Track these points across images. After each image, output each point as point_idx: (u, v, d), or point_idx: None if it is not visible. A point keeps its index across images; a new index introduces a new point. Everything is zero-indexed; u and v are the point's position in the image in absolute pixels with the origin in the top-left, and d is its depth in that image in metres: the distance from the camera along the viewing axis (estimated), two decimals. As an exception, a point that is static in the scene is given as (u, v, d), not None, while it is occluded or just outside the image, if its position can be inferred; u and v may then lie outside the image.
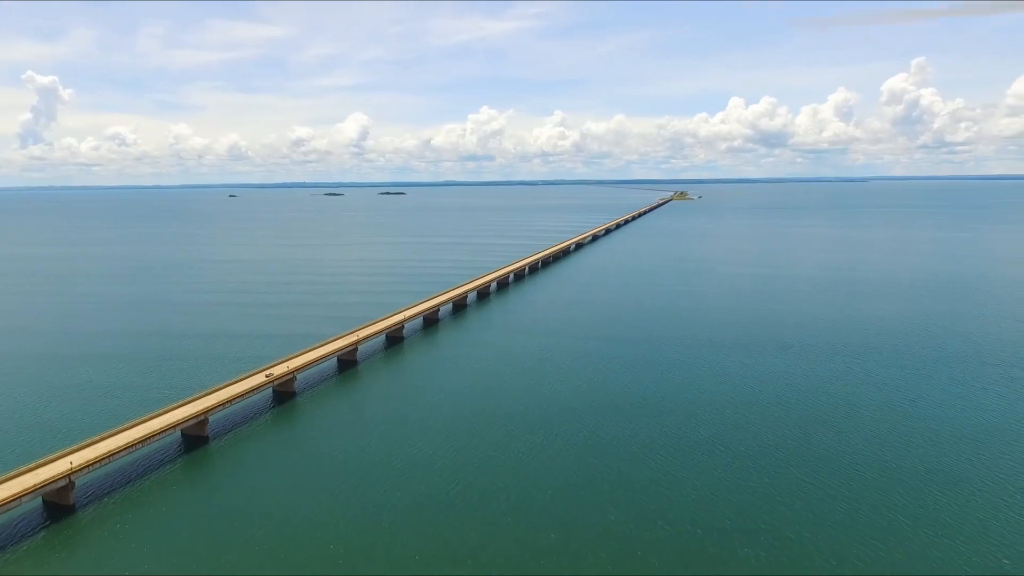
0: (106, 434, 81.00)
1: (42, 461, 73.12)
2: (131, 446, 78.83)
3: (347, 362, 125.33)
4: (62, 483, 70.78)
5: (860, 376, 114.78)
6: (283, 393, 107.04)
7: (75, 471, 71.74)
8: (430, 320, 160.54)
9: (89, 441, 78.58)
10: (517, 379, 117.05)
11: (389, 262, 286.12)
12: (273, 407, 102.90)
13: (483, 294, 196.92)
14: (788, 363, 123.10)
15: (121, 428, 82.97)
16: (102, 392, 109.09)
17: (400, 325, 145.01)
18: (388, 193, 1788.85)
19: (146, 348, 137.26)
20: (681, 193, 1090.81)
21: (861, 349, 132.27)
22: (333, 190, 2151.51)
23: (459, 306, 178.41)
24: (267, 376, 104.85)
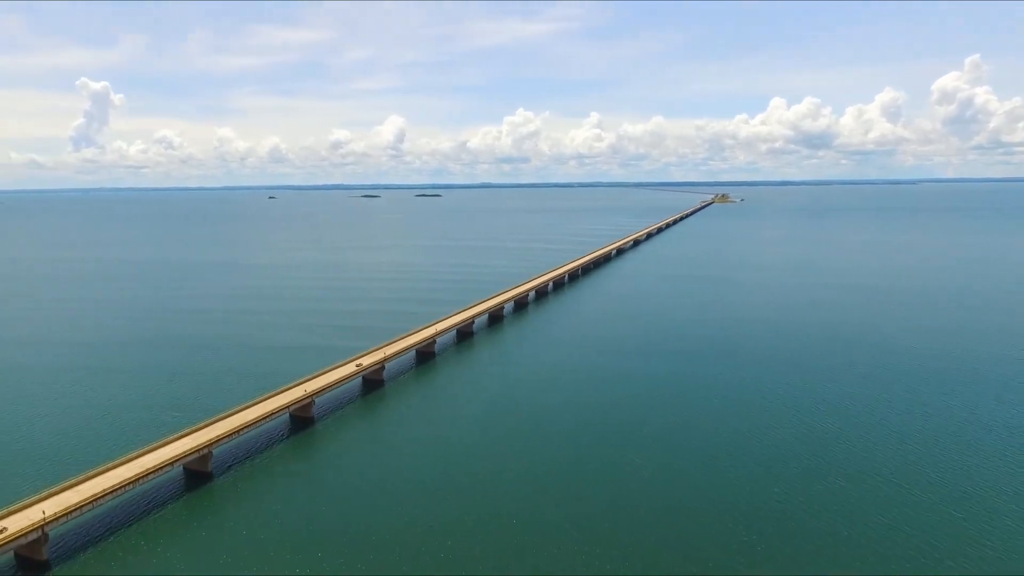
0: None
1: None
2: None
3: (372, 382, 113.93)
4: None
5: (913, 401, 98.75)
6: (301, 419, 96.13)
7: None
8: (464, 334, 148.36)
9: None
10: (556, 401, 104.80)
11: (422, 268, 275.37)
12: (289, 436, 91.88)
13: (520, 304, 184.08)
14: (842, 385, 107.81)
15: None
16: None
17: (432, 340, 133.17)
18: (424, 195, 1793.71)
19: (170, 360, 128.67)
20: (723, 196, 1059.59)
21: (918, 371, 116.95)
22: (370, 192, 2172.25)
23: (495, 318, 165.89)
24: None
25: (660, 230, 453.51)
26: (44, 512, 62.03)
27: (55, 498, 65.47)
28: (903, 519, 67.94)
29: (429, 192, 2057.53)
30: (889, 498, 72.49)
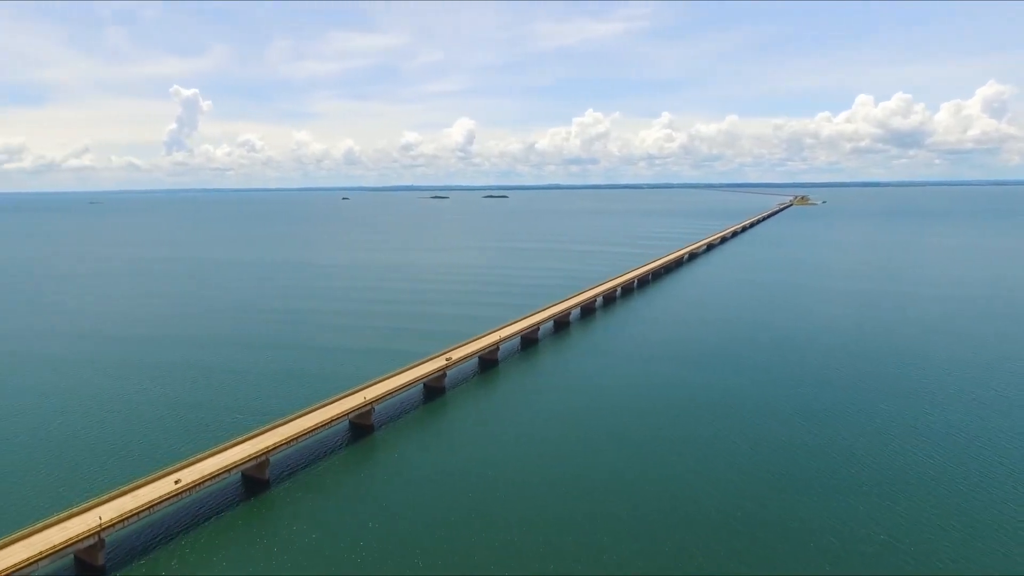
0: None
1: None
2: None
3: (434, 389, 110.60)
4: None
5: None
6: (361, 426, 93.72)
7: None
8: (529, 340, 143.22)
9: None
10: (619, 413, 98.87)
11: (487, 271, 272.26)
12: (347, 444, 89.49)
13: (587, 310, 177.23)
14: (936, 412, 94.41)
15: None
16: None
17: (495, 346, 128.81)
18: (492, 196, 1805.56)
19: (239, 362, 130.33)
20: (802, 198, 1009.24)
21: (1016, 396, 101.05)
22: (439, 193, 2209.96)
23: (561, 324, 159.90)
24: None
25: (735, 233, 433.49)
26: (101, 518, 61.30)
27: (114, 502, 64.95)
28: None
29: (496, 193, 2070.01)
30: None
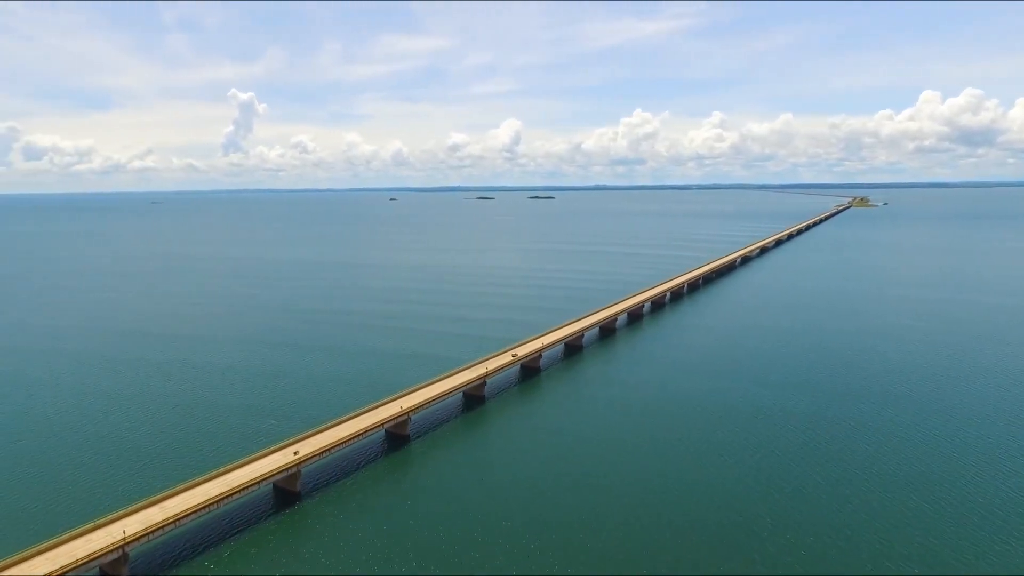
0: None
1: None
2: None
3: (474, 398, 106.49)
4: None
5: None
6: (397, 436, 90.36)
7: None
8: (573, 348, 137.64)
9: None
10: (667, 427, 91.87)
11: (531, 274, 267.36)
12: (383, 454, 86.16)
13: (635, 316, 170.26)
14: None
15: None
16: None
17: (538, 354, 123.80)
18: (537, 197, 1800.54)
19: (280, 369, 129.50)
20: (861, 199, 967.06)
21: None
22: (485, 194, 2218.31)
23: (607, 331, 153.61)
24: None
25: (791, 236, 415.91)
26: (125, 531, 59.22)
27: (139, 514, 62.93)
28: None
29: (542, 194, 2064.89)
30: None
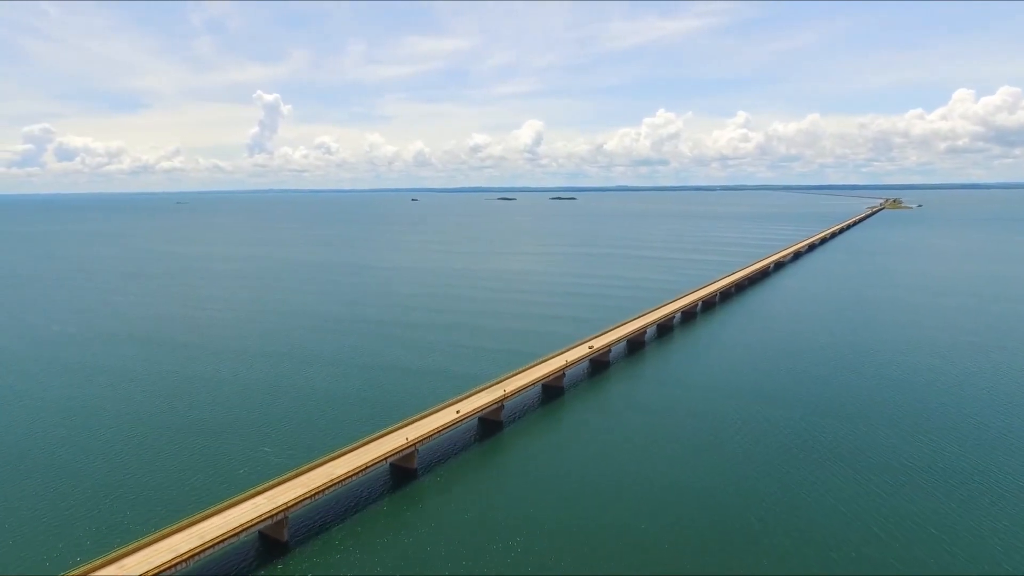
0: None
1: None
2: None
3: (490, 423, 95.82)
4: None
5: None
6: (403, 469, 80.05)
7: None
8: (599, 365, 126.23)
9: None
10: (700, 470, 79.69)
11: (551, 280, 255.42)
12: (389, 491, 75.82)
13: (664, 328, 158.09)
14: None
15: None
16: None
17: (560, 372, 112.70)
18: (559, 198, 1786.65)
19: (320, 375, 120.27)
20: (894, 201, 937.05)
21: None
22: (506, 194, 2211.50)
23: (635, 344, 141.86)
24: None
25: (823, 240, 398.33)
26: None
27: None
28: None
29: (564, 195, 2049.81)
30: None
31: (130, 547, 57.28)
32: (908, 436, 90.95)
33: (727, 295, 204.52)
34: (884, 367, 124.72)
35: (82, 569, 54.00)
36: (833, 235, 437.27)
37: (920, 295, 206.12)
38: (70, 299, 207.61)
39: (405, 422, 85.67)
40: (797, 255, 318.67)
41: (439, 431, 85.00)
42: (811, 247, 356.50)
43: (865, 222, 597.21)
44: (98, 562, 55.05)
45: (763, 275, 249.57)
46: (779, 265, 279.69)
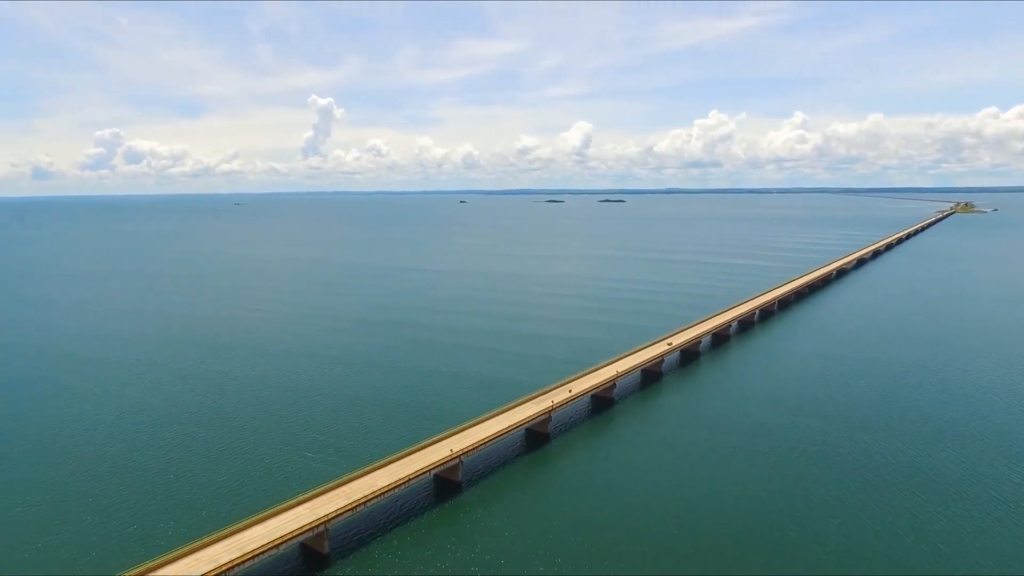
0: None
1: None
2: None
3: (537, 434, 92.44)
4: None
5: None
6: (447, 481, 77.57)
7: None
8: (651, 375, 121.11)
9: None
10: (763, 491, 73.69)
11: (601, 285, 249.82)
12: (434, 503, 73.40)
13: (720, 338, 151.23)
14: None
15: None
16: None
17: (611, 383, 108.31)
18: (608, 200, 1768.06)
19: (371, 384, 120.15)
20: (966, 204, 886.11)
21: None
22: (554, 197, 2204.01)
23: (689, 355, 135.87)
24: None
25: (890, 246, 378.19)
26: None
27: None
28: None
29: (613, 198, 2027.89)
30: None
31: (171, 555, 56.56)
32: (982, 460, 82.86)
33: (786, 303, 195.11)
34: (956, 385, 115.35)
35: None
36: (900, 240, 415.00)
37: (997, 306, 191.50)
38: (129, 298, 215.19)
39: (449, 432, 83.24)
40: (861, 261, 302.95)
41: (484, 443, 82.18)
42: (876, 253, 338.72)
43: (935, 227, 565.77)
44: (138, 570, 54.34)
45: (825, 283, 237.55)
46: (842, 272, 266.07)
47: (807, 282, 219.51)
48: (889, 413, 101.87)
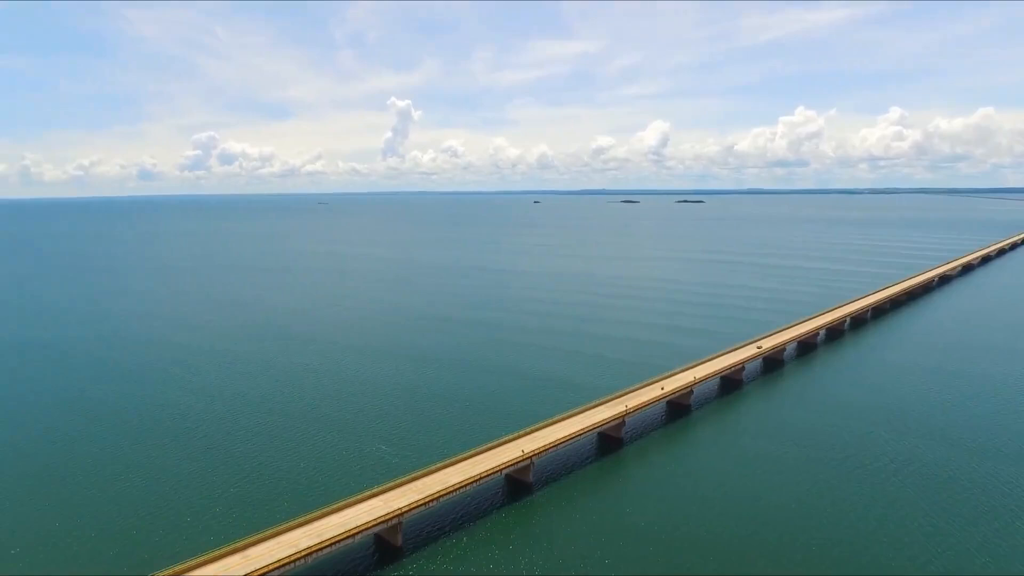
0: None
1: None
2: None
3: (610, 439, 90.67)
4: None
5: None
6: (518, 481, 77.36)
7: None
8: (731, 382, 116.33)
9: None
10: (850, 506, 68.31)
11: (679, 288, 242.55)
12: (505, 502, 73.44)
13: (806, 346, 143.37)
14: None
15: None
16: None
17: (688, 389, 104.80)
18: (686, 201, 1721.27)
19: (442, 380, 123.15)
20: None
21: None
22: (630, 197, 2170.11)
23: (773, 362, 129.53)
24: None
25: (1002, 251, 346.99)
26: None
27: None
28: None
29: (691, 198, 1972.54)
30: None
31: (255, 537, 59.19)
32: None
33: (881, 311, 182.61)
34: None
35: (212, 554, 56.31)
36: (1014, 246, 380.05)
37: None
38: (223, 291, 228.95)
39: (521, 433, 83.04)
40: (967, 268, 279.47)
41: (556, 444, 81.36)
42: (985, 259, 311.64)
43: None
44: (226, 549, 57.26)
45: (925, 290, 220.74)
46: (945, 279, 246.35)
47: (904, 289, 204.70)
48: (1007, 435, 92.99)
